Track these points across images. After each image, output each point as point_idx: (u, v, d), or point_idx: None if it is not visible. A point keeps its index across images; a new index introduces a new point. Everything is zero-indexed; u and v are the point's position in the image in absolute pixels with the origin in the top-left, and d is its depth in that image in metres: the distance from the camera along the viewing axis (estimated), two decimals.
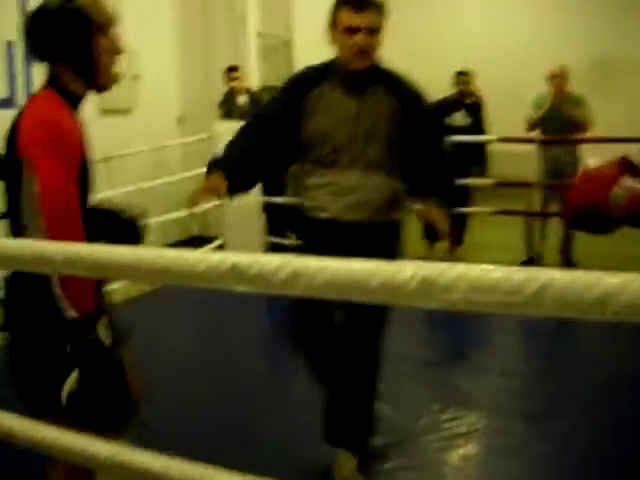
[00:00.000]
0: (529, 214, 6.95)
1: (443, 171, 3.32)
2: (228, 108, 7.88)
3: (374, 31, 3.04)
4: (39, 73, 2.42)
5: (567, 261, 6.83)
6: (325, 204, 3.21)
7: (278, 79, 9.52)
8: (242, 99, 8.06)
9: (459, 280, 1.06)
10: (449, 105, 7.29)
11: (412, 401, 4.19)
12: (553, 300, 1.02)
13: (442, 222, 3.13)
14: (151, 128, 8.07)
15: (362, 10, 2.98)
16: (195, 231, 9.15)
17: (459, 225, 7.30)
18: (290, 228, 8.14)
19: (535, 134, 6.95)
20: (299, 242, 3.53)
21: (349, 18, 3.00)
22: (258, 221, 7.78)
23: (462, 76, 7.43)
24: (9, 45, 6.51)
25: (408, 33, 12.47)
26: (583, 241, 6.56)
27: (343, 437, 3.36)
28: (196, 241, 8.37)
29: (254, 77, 8.99)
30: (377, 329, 3.26)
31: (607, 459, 3.49)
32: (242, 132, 3.32)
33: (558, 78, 6.66)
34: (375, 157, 3.11)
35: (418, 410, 4.06)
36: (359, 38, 2.99)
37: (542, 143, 6.92)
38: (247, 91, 8.19)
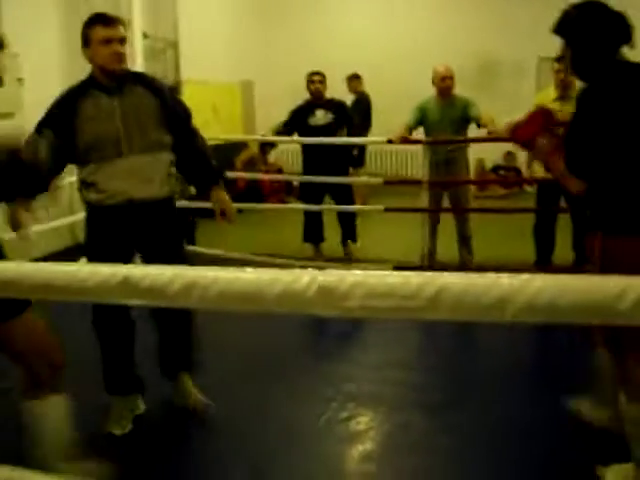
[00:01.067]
0: (418, 210, 7.01)
1: (206, 157, 3.90)
2: None
3: (123, 40, 3.59)
4: None
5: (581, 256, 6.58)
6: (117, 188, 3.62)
7: (164, 80, 9.41)
8: None
9: (356, 287, 1.05)
10: (306, 106, 7.27)
11: (311, 397, 4.17)
12: (450, 304, 1.02)
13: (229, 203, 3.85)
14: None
15: (113, 24, 3.58)
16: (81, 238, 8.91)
17: (350, 223, 7.34)
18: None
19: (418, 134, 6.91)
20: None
21: (104, 32, 3.56)
22: None
23: (315, 76, 7.29)
24: None
25: (296, 32, 12.55)
26: None
27: (180, 364, 4.04)
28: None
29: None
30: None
31: (506, 451, 3.56)
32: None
33: (448, 79, 6.65)
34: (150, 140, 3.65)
35: (317, 406, 4.05)
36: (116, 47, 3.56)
37: (429, 144, 6.92)
38: None
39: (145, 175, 3.61)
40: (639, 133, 2.72)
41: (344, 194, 7.21)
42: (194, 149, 3.85)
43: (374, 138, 8.42)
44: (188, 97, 7.52)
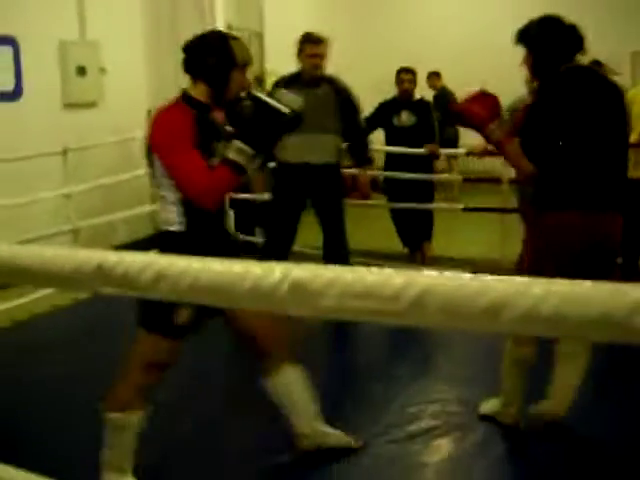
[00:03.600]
0: (499, 210, 6.78)
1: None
2: None
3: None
4: None
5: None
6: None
7: (249, 72, 9.38)
8: None
9: (331, 285, 0.91)
10: (393, 105, 7.03)
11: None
12: (436, 308, 0.88)
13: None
14: (118, 122, 7.87)
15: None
16: None
17: (426, 221, 7.11)
18: (259, 224, 7.98)
19: None
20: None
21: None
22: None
23: (405, 74, 6.97)
24: None
25: (382, 25, 12.40)
26: None
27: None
28: None
29: None
30: None
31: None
32: None
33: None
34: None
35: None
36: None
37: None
38: None
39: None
40: (585, 122, 3.25)
41: (424, 193, 7.02)
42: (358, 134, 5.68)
43: (453, 150, 8.20)
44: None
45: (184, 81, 3.31)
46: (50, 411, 4.07)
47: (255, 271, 0.98)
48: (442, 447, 3.68)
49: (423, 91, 8.38)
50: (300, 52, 5.36)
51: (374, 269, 0.92)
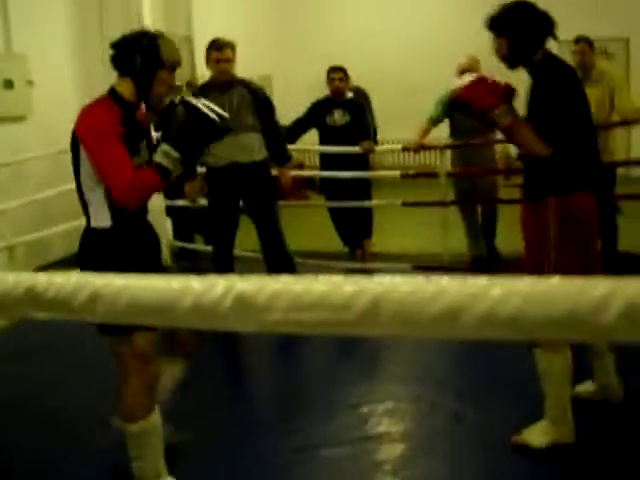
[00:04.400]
0: (439, 204, 6.79)
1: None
2: None
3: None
4: None
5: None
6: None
7: (179, 77, 9.26)
8: None
9: (277, 297, 0.86)
10: (325, 104, 6.96)
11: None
12: (389, 317, 0.83)
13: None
14: (49, 135, 7.69)
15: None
16: None
17: (365, 218, 7.05)
18: (197, 231, 7.88)
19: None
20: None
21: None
22: (162, 225, 7.47)
23: (335, 73, 6.82)
24: None
25: (312, 26, 12.39)
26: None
27: None
28: None
29: None
30: None
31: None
32: None
33: (468, 72, 6.41)
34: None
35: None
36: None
37: (448, 148, 6.71)
38: None
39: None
40: (582, 105, 3.37)
41: (362, 190, 6.96)
42: (275, 133, 5.73)
43: (388, 146, 8.17)
44: None
45: None
46: None
47: (195, 287, 0.92)
48: (396, 445, 3.65)
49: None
50: (207, 59, 5.59)
51: (322, 277, 0.86)
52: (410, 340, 4.70)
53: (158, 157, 2.94)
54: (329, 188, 7.19)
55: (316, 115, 6.88)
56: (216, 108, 3.12)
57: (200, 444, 3.59)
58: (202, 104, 3.09)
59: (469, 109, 3.42)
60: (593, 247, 3.55)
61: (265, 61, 11.86)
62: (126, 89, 3.02)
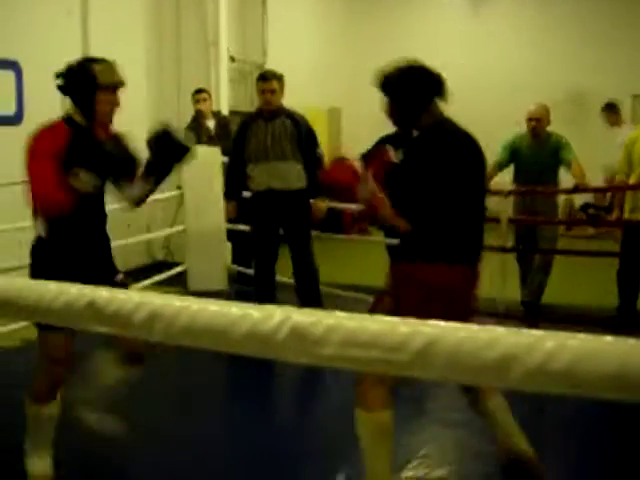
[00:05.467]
0: (499, 250, 6.73)
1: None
2: (196, 132, 7.66)
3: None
4: None
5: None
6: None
7: (251, 103, 9.38)
8: (210, 123, 7.88)
9: (332, 331, 0.87)
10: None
11: None
12: (442, 360, 0.83)
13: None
14: None
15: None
16: (159, 256, 8.94)
17: None
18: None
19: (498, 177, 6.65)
20: None
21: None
22: (221, 248, 7.56)
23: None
24: None
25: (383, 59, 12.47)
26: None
27: None
28: (159, 266, 8.14)
29: (224, 101, 8.81)
30: None
31: None
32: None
33: (534, 121, 6.38)
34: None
35: None
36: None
37: (515, 194, 6.64)
38: (215, 115, 8.01)
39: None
40: (458, 177, 3.11)
41: None
42: (314, 165, 5.74)
43: None
44: None
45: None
46: None
47: (253, 314, 0.93)
48: None
49: None
50: (257, 89, 5.87)
51: (378, 317, 0.87)
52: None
53: (76, 182, 3.15)
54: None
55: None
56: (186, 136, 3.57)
57: None
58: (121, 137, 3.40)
59: (334, 192, 3.58)
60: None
61: (335, 93, 11.97)
62: (77, 113, 3.28)
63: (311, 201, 5.92)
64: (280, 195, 5.76)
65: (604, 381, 0.81)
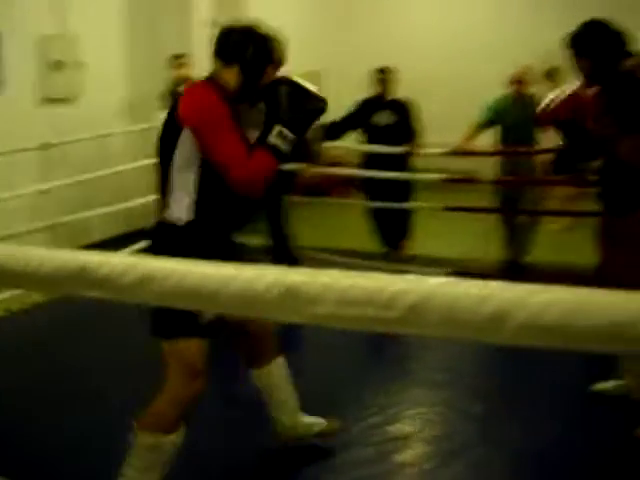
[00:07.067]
0: (483, 210, 6.75)
1: None
2: (173, 97, 7.55)
3: None
4: None
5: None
6: None
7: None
8: None
9: (328, 290, 0.87)
10: (372, 103, 6.93)
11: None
12: (436, 316, 0.84)
13: None
14: (96, 117, 7.79)
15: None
16: (142, 224, 8.90)
17: (404, 220, 7.02)
18: None
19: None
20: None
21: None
22: None
23: (381, 74, 6.89)
24: None
25: (356, 30, 12.39)
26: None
27: None
28: (143, 234, 8.10)
29: (203, 66, 8.71)
30: None
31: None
32: None
33: (520, 82, 6.42)
34: None
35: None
36: None
37: (501, 154, 6.64)
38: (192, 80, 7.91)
39: None
40: None
41: (402, 192, 6.93)
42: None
43: (433, 150, 8.00)
44: None
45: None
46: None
47: (245, 274, 0.93)
48: (423, 448, 3.65)
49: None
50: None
51: (370, 274, 0.87)
52: (443, 342, 4.69)
53: (273, 139, 2.83)
54: (370, 187, 7.16)
55: (363, 113, 6.87)
56: (312, 86, 3.04)
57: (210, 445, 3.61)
58: (302, 81, 3.02)
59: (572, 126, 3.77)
60: None
61: (315, 57, 11.87)
62: (232, 78, 2.92)
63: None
64: None
65: (592, 332, 0.81)
